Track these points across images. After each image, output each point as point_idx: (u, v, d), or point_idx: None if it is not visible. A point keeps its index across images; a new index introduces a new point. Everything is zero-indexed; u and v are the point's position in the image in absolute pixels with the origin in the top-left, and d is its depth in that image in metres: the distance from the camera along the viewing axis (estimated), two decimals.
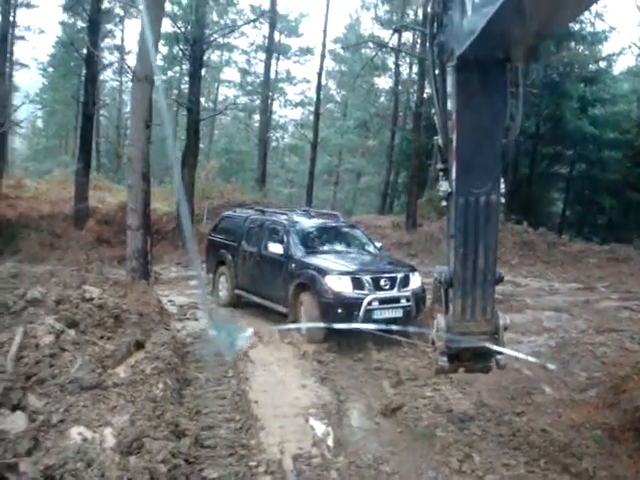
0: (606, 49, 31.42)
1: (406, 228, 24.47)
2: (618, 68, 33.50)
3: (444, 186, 4.70)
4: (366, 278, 9.76)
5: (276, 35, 39.06)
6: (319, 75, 29.50)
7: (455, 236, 4.67)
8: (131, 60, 35.86)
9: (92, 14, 21.16)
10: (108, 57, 36.78)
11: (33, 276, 9.02)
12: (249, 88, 44.45)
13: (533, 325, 11.17)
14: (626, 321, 11.62)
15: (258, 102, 40.22)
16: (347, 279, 9.69)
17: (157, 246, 16.75)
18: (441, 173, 4.86)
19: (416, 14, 34.09)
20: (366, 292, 9.62)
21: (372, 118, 37.57)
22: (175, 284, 15.14)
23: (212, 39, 24.45)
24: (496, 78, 4.26)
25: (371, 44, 33.22)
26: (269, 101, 38.21)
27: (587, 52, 30.47)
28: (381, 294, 9.73)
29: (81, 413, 5.26)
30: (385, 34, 36.02)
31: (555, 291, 15.62)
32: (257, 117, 42.39)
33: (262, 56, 40.15)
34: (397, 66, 36.26)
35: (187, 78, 25.71)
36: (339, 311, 9.45)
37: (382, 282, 9.86)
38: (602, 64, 31.68)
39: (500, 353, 5.11)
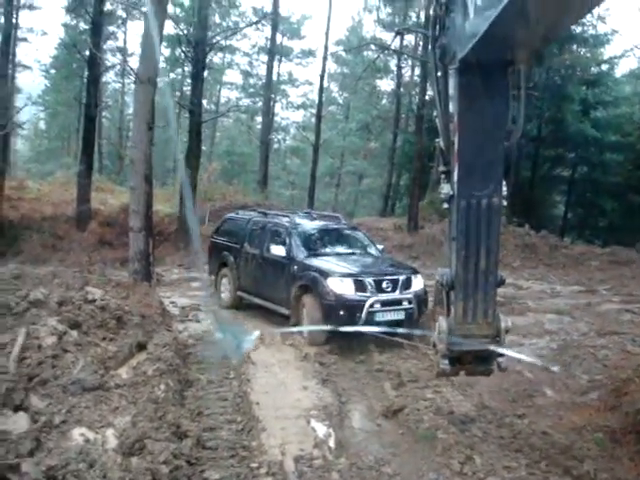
0: (608, 52, 31.57)
1: (408, 230, 24.47)
2: (620, 71, 33.59)
3: (446, 188, 4.71)
4: (368, 280, 9.77)
5: (278, 37, 39.10)
6: (321, 77, 29.50)
7: (457, 238, 4.68)
8: (133, 62, 36.02)
9: (95, 16, 21.20)
10: (110, 59, 36.93)
11: (36, 277, 9.04)
12: (251, 90, 44.54)
13: (535, 328, 11.17)
14: (628, 324, 11.61)
15: (260, 104, 40.27)
16: (349, 281, 9.70)
17: (159, 248, 16.78)
18: (443, 175, 4.87)
19: (418, 17, 34.16)
20: (368, 294, 9.63)
21: (374, 120, 37.57)
22: (177, 286, 15.16)
23: (214, 41, 24.45)
24: (498, 81, 4.27)
25: (373, 46, 33.27)
26: (271, 103, 38.30)
27: (589, 55, 30.50)
28: (383, 296, 9.74)
29: (83, 414, 5.28)
30: (387, 36, 36.18)
31: (557, 294, 15.62)
32: (259, 119, 42.51)
33: (264, 58, 40.24)
34: (399, 68, 36.31)
35: (189, 80, 25.75)
36: (341, 313, 9.45)
37: (384, 284, 9.87)
38: (604, 67, 31.72)
39: (502, 355, 5.12)
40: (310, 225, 11.85)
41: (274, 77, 39.88)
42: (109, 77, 40.64)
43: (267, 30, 37.80)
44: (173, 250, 20.01)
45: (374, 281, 9.80)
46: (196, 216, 21.76)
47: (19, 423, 4.92)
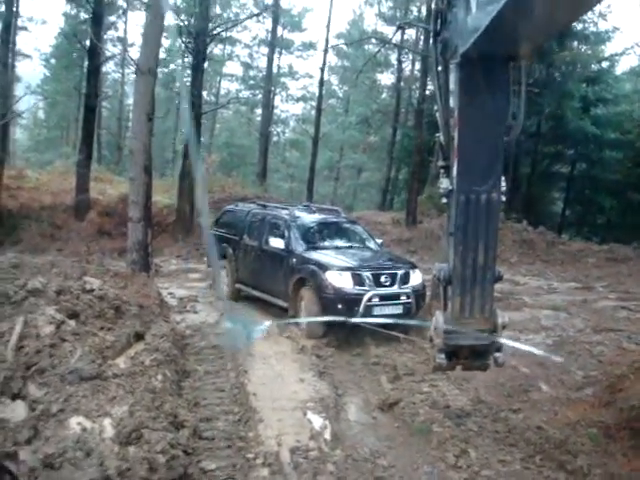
0: (609, 49, 31.43)
1: (406, 225, 24.48)
2: (621, 68, 33.46)
3: (445, 183, 4.71)
4: (367, 274, 9.79)
5: (279, 30, 39.04)
6: (321, 70, 29.51)
7: (455, 234, 4.69)
8: (134, 52, 35.94)
9: (95, 6, 21.12)
10: (111, 49, 36.84)
11: (34, 267, 9.04)
12: (251, 82, 44.44)
13: (531, 323, 11.19)
14: (623, 321, 11.65)
15: (260, 96, 40.20)
16: (348, 275, 9.71)
17: (157, 239, 16.79)
18: (442, 170, 4.87)
19: (419, 11, 34.11)
20: (366, 288, 9.64)
21: (374, 114, 37.54)
22: (175, 277, 15.17)
23: (215, 32, 24.39)
24: (499, 76, 4.27)
25: (374, 40, 33.22)
26: (271, 96, 38.20)
27: (590, 52, 30.41)
28: (381, 290, 9.75)
29: (80, 403, 5.29)
30: (388, 30, 36.15)
31: (553, 290, 15.65)
32: (259, 111, 42.41)
33: (265, 50, 40.19)
34: (400, 63, 36.26)
35: (189, 71, 25.65)
36: (339, 307, 9.46)
37: (382, 278, 9.88)
38: (605, 64, 31.62)
39: (499, 350, 5.14)
40: (309, 218, 11.86)
41: (274, 69, 39.82)
42: (109, 67, 40.62)
43: (268, 22, 37.79)
44: (171, 241, 20.03)
45: (372, 275, 9.82)
46: (197, 208, 21.82)
47: (17, 411, 4.94)
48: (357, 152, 43.36)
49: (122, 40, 39.85)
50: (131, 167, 12.35)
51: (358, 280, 9.70)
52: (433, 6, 4.77)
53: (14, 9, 25.78)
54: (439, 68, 4.72)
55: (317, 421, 6.70)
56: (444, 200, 4.82)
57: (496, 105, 4.35)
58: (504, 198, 4.62)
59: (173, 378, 6.88)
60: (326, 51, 30.95)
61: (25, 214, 19.38)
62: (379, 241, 12.23)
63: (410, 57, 36.56)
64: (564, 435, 6.32)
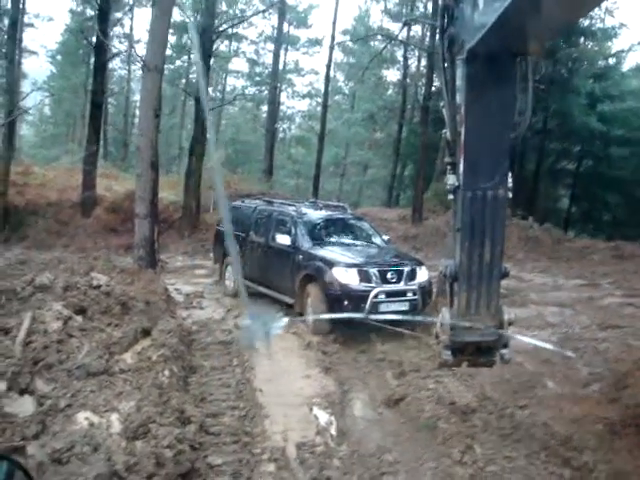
0: (616, 45, 31.37)
1: (412, 221, 24.49)
2: (627, 65, 33.36)
3: (451, 180, 4.69)
4: (373, 271, 9.79)
5: (285, 26, 39.03)
6: (327, 67, 29.48)
7: (461, 230, 4.67)
8: (140, 49, 35.95)
9: (102, 2, 21.14)
10: (117, 46, 36.86)
11: (41, 263, 9.11)
12: (257, 79, 44.36)
13: (536, 320, 11.18)
14: (629, 318, 11.61)
15: (266, 93, 40.17)
16: (354, 271, 9.72)
17: (163, 235, 16.82)
18: (449, 167, 4.86)
19: (425, 7, 34.04)
20: (373, 285, 9.65)
21: (380, 111, 37.52)
22: (181, 273, 15.22)
23: (221, 29, 24.40)
24: (506, 72, 4.26)
25: (380, 37, 33.17)
26: (277, 92, 38.17)
27: (596, 48, 30.31)
28: (388, 287, 9.76)
29: (88, 398, 5.33)
30: (394, 27, 36.06)
31: (559, 287, 15.62)
32: (265, 108, 42.38)
33: (271, 47, 40.14)
34: (406, 59, 36.20)
35: (195, 67, 25.68)
36: (345, 303, 9.48)
37: (389, 275, 9.88)
38: (611, 60, 31.58)
39: (505, 347, 5.13)
40: (316, 215, 11.88)
41: (280, 66, 39.82)
42: (115, 64, 40.64)
43: (274, 18, 37.76)
44: (177, 238, 20.08)
45: (379, 272, 9.82)
46: (203, 205, 21.87)
47: (25, 406, 4.98)
48: (363, 149, 43.39)
49: (128, 37, 39.91)
50: (138, 163, 12.38)
51: (364, 277, 9.70)
52: (440, 2, 4.74)
53: (21, 6, 25.85)
54: (446, 64, 4.71)
55: (323, 417, 6.73)
56: (450, 196, 4.81)
57: (503, 101, 4.34)
58: (510, 194, 4.62)
59: (180, 374, 6.92)
60: (332, 47, 30.94)
61: (31, 210, 19.45)
62: (386, 237, 12.24)
63: (416, 53, 36.56)
64: (569, 431, 6.31)
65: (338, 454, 5.84)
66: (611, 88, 29.97)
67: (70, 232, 18.82)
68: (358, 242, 11.50)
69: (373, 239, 11.83)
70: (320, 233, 11.31)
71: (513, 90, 4.34)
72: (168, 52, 36.03)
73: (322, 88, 32.53)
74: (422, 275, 10.34)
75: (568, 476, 5.55)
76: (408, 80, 35.66)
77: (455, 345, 5.08)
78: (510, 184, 4.55)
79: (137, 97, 40.10)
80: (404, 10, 36.51)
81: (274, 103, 36.86)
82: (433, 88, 26.44)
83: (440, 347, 5.21)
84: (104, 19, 21.33)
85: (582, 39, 29.68)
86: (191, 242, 19.81)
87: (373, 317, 8.36)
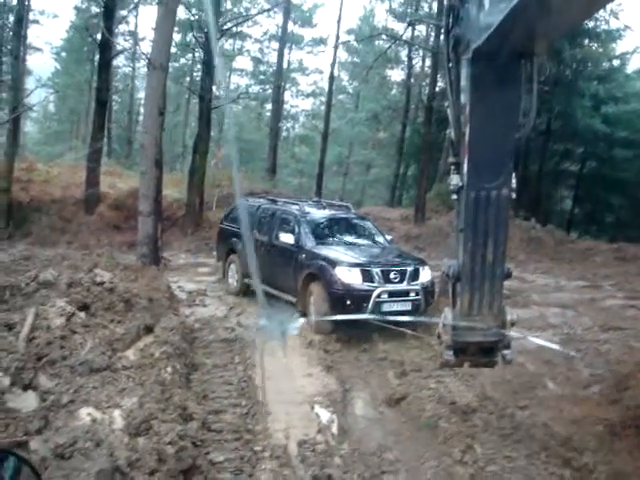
0: (620, 47, 31.34)
1: (415, 221, 24.48)
2: (632, 67, 33.26)
3: (455, 180, 4.69)
4: (376, 270, 9.79)
5: (290, 25, 39.01)
6: (332, 66, 29.53)
7: (465, 230, 4.68)
8: (145, 46, 36.00)
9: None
10: (122, 43, 36.89)
11: (45, 259, 9.14)
12: (261, 77, 44.44)
13: (538, 321, 11.19)
14: (631, 319, 11.61)
15: (270, 91, 40.19)
16: (357, 271, 9.73)
17: (167, 233, 16.84)
18: (453, 167, 4.85)
19: (430, 7, 34.01)
20: (376, 284, 9.65)
21: (383, 110, 37.50)
22: (184, 271, 15.23)
23: (226, 27, 24.40)
24: (511, 72, 4.26)
25: (384, 36, 33.17)
26: (281, 91, 38.17)
27: (601, 50, 30.24)
28: (390, 287, 9.76)
29: (91, 394, 5.36)
30: (399, 26, 35.99)
31: (561, 288, 15.63)
32: (269, 106, 42.42)
33: (275, 45, 40.14)
34: (410, 59, 36.16)
35: (200, 66, 25.69)
36: (348, 303, 9.49)
37: (392, 275, 9.89)
38: (616, 62, 31.50)
39: (507, 348, 5.14)
40: (319, 214, 11.89)
41: (285, 65, 39.79)
42: (119, 61, 40.67)
43: (279, 17, 37.78)
44: (180, 235, 20.09)
45: (382, 271, 9.82)
46: (206, 202, 21.90)
47: (28, 402, 5.01)
48: (366, 148, 43.36)
49: (133, 34, 39.96)
50: (142, 161, 12.42)
51: (367, 276, 9.71)
52: (445, 2, 4.74)
53: (26, 2, 25.90)
54: (450, 64, 4.72)
55: (324, 415, 6.75)
56: (454, 196, 4.82)
57: (508, 102, 4.35)
58: (514, 195, 4.62)
59: (182, 371, 6.94)
60: (336, 47, 31.01)
61: (35, 207, 19.46)
62: (389, 237, 12.23)
63: (420, 54, 36.53)
64: (570, 432, 6.33)
65: (339, 452, 5.87)
66: (615, 90, 29.92)
67: (73, 229, 18.84)
68: (361, 241, 11.51)
69: (376, 239, 11.84)
70: (323, 232, 11.32)
71: (518, 91, 4.34)
72: (173, 50, 36.09)
73: (326, 87, 32.65)
74: (425, 275, 10.34)
75: (568, 477, 5.56)
76: (412, 80, 35.62)
77: (457, 345, 5.09)
78: (514, 185, 4.56)
79: (141, 95, 40.35)
80: (409, 10, 36.46)
81: (278, 102, 36.84)
82: (437, 88, 26.45)
83: (442, 347, 5.22)
84: (109, 16, 21.29)
85: (587, 41, 29.63)
86: (194, 240, 19.82)
87: (377, 318, 8.37)
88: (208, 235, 19.38)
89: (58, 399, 5.15)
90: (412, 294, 9.89)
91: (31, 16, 34.51)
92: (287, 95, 43.89)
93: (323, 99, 38.12)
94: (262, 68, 44.49)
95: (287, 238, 10.96)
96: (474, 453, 5.89)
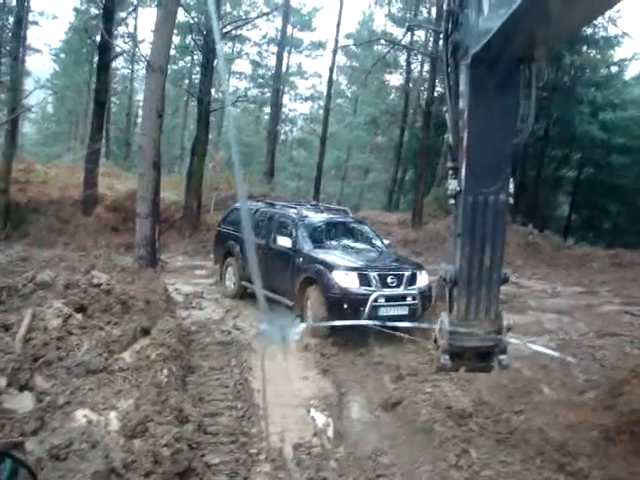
0: (618, 54, 31.34)
1: (412, 225, 24.51)
2: (629, 73, 33.34)
3: (453, 185, 4.70)
4: (373, 275, 9.79)
5: (289, 28, 39.04)
6: (330, 70, 29.51)
7: (462, 235, 4.68)
8: (144, 48, 35.98)
9: (107, 1, 21.15)
10: (121, 45, 36.89)
11: (42, 260, 9.13)
12: (260, 81, 44.45)
13: (534, 326, 11.19)
14: (627, 325, 11.61)
15: (268, 95, 40.22)
16: (354, 275, 9.73)
17: (164, 235, 16.84)
18: (451, 171, 4.86)
19: (429, 12, 34.09)
20: (373, 289, 9.64)
21: (382, 115, 37.57)
22: (181, 273, 15.24)
23: (225, 30, 24.43)
24: (510, 78, 4.26)
25: (383, 41, 33.23)
26: (279, 94, 38.19)
27: (599, 56, 30.31)
28: (387, 291, 9.76)
29: (87, 396, 5.36)
30: (398, 31, 36.15)
31: (557, 294, 15.64)
32: (267, 110, 42.44)
33: (274, 49, 40.13)
34: (408, 64, 36.21)
35: (198, 68, 25.71)
36: (345, 307, 9.48)
37: (389, 279, 9.89)
38: (614, 69, 31.58)
39: (503, 353, 5.14)
40: (317, 217, 11.90)
41: (283, 68, 39.79)
42: (118, 63, 40.62)
43: (278, 21, 37.81)
44: (178, 238, 20.11)
45: (379, 276, 9.82)
46: (204, 205, 21.92)
47: (24, 402, 5.01)
48: (364, 152, 43.44)
49: (132, 36, 39.94)
50: (140, 163, 12.43)
51: (364, 280, 9.71)
52: (445, 7, 4.74)
53: (25, 3, 25.89)
54: (449, 69, 4.73)
55: (320, 419, 6.76)
56: (452, 201, 4.82)
57: (506, 107, 4.36)
58: (512, 200, 4.63)
59: (178, 373, 6.94)
60: (335, 51, 30.97)
61: (33, 208, 19.45)
62: (386, 242, 12.24)
63: (419, 58, 36.57)
64: (565, 437, 6.34)
65: (335, 456, 5.88)
66: (613, 96, 29.97)
67: (71, 230, 18.83)
68: (359, 246, 11.51)
69: (374, 243, 11.85)
70: (321, 236, 11.31)
71: (516, 96, 4.35)
72: (172, 52, 36.09)
73: (325, 91, 32.63)
74: (422, 280, 10.33)
75: None
76: (411, 85, 35.69)
77: (454, 350, 5.09)
78: (511, 190, 4.57)
79: (140, 96, 40.32)
80: (408, 15, 36.56)
81: (276, 105, 36.85)
82: (435, 93, 26.52)
83: (439, 352, 5.22)
84: (109, 18, 21.31)
85: (585, 47, 29.70)
86: (191, 242, 19.83)
87: (374, 324, 8.39)
88: (205, 238, 19.39)
89: (54, 400, 5.15)
90: (409, 299, 9.89)
91: (30, 17, 34.53)
92: (286, 99, 43.93)
93: (321, 103, 38.10)
94: (261, 71, 44.52)
95: (285, 242, 10.97)
96: (469, 457, 5.90)
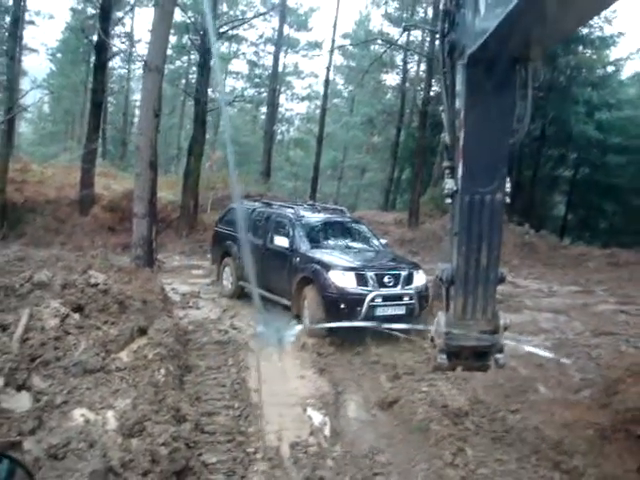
0: (614, 54, 31.42)
1: (408, 225, 24.55)
2: (625, 73, 33.42)
3: (450, 184, 4.70)
4: (370, 274, 9.79)
5: (285, 28, 38.99)
6: (327, 70, 29.57)
7: (459, 234, 4.68)
8: (140, 48, 35.99)
9: (103, 1, 21.12)
10: (118, 45, 36.85)
11: (39, 260, 9.13)
12: (257, 80, 44.39)
13: (530, 325, 11.23)
14: (622, 324, 11.67)
15: (265, 95, 40.18)
16: (351, 275, 9.73)
17: (161, 235, 16.84)
18: (447, 171, 4.86)
19: (425, 12, 34.19)
20: (370, 288, 9.64)
21: (378, 115, 37.58)
22: (178, 273, 15.23)
23: (222, 30, 24.43)
24: (506, 78, 4.27)
25: (380, 41, 33.24)
26: (276, 94, 38.16)
27: (595, 56, 30.37)
28: (384, 291, 9.76)
29: (84, 395, 5.37)
30: (394, 31, 36.16)
31: (554, 293, 15.69)
32: (264, 109, 42.38)
33: (271, 49, 40.08)
34: (405, 64, 36.27)
35: (195, 68, 25.69)
36: (342, 306, 9.49)
37: (386, 279, 9.89)
38: (609, 69, 31.63)
39: (500, 352, 5.16)
40: (314, 217, 11.90)
41: (280, 68, 39.76)
42: (115, 63, 40.60)
43: (274, 21, 37.77)
44: (175, 237, 20.11)
45: (376, 275, 9.82)
46: (201, 205, 21.92)
47: (22, 402, 5.02)
48: (361, 152, 43.48)
49: (129, 36, 39.90)
50: (137, 163, 12.43)
51: (361, 280, 9.71)
52: (441, 7, 4.74)
53: (22, 3, 25.84)
54: (446, 69, 4.74)
55: (317, 417, 6.78)
56: (448, 201, 4.83)
57: (502, 107, 4.37)
58: (508, 200, 4.65)
59: (175, 373, 6.95)
60: (332, 51, 31.02)
61: (30, 208, 19.43)
62: (383, 241, 12.25)
63: (415, 58, 36.63)
64: (560, 436, 6.37)
65: (331, 454, 5.90)
66: (609, 96, 30.03)
67: (68, 230, 18.81)
68: (356, 245, 11.52)
69: (371, 242, 11.86)
70: (318, 236, 11.31)
71: (513, 96, 4.36)
72: (168, 52, 36.05)
73: (321, 91, 32.61)
74: (419, 279, 10.34)
75: (558, 479, 5.60)
76: (407, 85, 35.71)
77: (450, 349, 5.09)
78: (508, 189, 4.58)
79: (136, 96, 40.26)
80: (404, 15, 36.60)
81: (273, 105, 36.82)
82: (432, 93, 26.57)
83: (435, 351, 5.23)
84: (105, 18, 21.28)
85: (581, 47, 29.76)
86: (188, 242, 19.83)
87: (371, 325, 8.41)
88: (202, 237, 19.40)
89: (52, 400, 5.16)
90: (406, 298, 9.90)
91: (27, 17, 34.43)
92: (282, 98, 43.84)
93: (318, 103, 38.15)
94: (257, 71, 44.42)
95: (282, 241, 10.97)
96: (465, 456, 5.92)
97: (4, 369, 5.16)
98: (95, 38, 22.20)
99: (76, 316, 6.92)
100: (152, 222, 11.89)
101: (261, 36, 41.34)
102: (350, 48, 40.43)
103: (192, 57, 37.37)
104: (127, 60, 40.69)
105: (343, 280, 9.66)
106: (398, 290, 9.91)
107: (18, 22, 23.63)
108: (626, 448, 6.03)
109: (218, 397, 7.02)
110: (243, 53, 43.76)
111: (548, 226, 28.78)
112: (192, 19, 23.47)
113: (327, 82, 30.17)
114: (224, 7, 35.44)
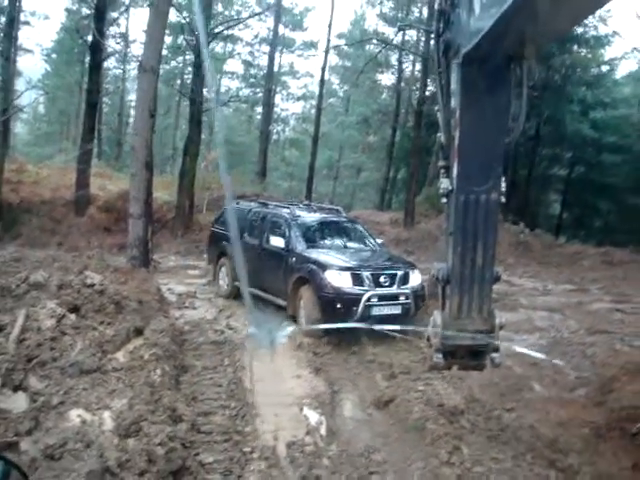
0: (608, 53, 31.50)
1: (404, 225, 24.56)
2: (620, 72, 33.52)
3: (445, 183, 4.70)
4: (366, 274, 9.79)
5: (281, 28, 39.03)
6: (322, 70, 29.55)
7: (454, 233, 4.69)
8: (135, 49, 35.95)
9: (98, 1, 21.09)
10: (113, 45, 36.79)
11: (35, 260, 9.12)
12: (252, 80, 44.40)
13: (525, 324, 11.23)
14: (617, 323, 11.69)
15: (260, 95, 40.20)
16: (347, 274, 9.73)
17: (157, 235, 16.82)
18: (442, 170, 4.86)
19: (420, 12, 34.21)
20: (365, 288, 9.64)
21: (374, 114, 37.66)
22: (174, 273, 15.23)
23: (217, 30, 24.41)
24: (501, 77, 4.27)
25: (375, 41, 33.28)
26: (271, 94, 38.16)
27: (589, 55, 30.44)
28: (380, 291, 9.76)
29: (81, 396, 5.38)
30: (389, 31, 36.18)
31: (548, 292, 15.71)
32: (259, 109, 42.43)
33: (266, 49, 40.12)
34: (400, 63, 36.34)
35: (190, 68, 25.67)
36: (338, 306, 9.49)
37: (382, 279, 9.89)
38: (604, 68, 31.73)
39: (496, 351, 5.17)
40: (310, 217, 11.91)
41: (275, 68, 39.77)
42: (110, 63, 40.50)
43: (270, 21, 37.81)
44: (170, 237, 20.09)
45: (372, 275, 9.83)
46: (196, 205, 21.91)
47: (18, 403, 5.02)
48: (356, 152, 43.52)
49: (124, 36, 39.85)
50: (132, 163, 12.42)
51: (357, 280, 9.71)
52: (436, 6, 4.74)
53: (17, 3, 25.80)
54: (441, 68, 4.74)
55: (313, 417, 6.78)
56: (444, 200, 4.83)
57: (497, 106, 4.37)
58: (503, 199, 4.65)
59: (172, 373, 6.95)
60: (327, 51, 31.00)
61: (25, 208, 19.37)
62: (379, 241, 12.25)
63: (411, 58, 36.67)
64: (556, 434, 6.39)
65: (327, 453, 5.91)
66: (604, 95, 30.14)
67: (64, 230, 18.77)
68: (352, 245, 11.52)
69: (367, 242, 11.86)
70: (314, 236, 11.31)
71: (508, 95, 4.37)
72: (164, 52, 35.99)
73: (317, 91, 32.65)
74: (415, 279, 10.35)
75: (553, 477, 5.64)
76: (402, 84, 35.80)
77: (446, 348, 5.10)
78: (503, 188, 4.59)
79: (132, 97, 40.24)
80: (399, 15, 36.64)
81: (268, 105, 36.82)
82: (427, 93, 26.55)
83: (431, 350, 5.23)
84: (100, 18, 21.23)
85: (576, 46, 29.80)
86: (184, 242, 19.82)
87: (366, 326, 8.41)
88: (198, 238, 19.40)
89: (48, 400, 5.16)
90: (402, 298, 9.90)
91: (22, 17, 34.36)
92: (277, 98, 43.94)
93: (313, 102, 38.15)
94: (253, 71, 44.45)
95: (277, 241, 10.98)
96: (461, 454, 5.93)
97: (1, 370, 5.16)
98: (90, 38, 22.11)
99: (72, 317, 6.91)
100: (148, 222, 11.88)
101: (256, 36, 41.39)
102: (345, 48, 40.50)
103: (187, 57, 37.37)
104: (122, 60, 40.58)
105: (339, 280, 9.67)
106: (394, 290, 9.92)
107: (13, 22, 23.59)
108: (621, 446, 6.06)
109: (214, 397, 7.02)
110: (238, 53, 43.84)
111: (543, 225, 28.84)
112: (187, 19, 23.42)
113: (322, 82, 30.18)
114: (219, 7, 35.45)
